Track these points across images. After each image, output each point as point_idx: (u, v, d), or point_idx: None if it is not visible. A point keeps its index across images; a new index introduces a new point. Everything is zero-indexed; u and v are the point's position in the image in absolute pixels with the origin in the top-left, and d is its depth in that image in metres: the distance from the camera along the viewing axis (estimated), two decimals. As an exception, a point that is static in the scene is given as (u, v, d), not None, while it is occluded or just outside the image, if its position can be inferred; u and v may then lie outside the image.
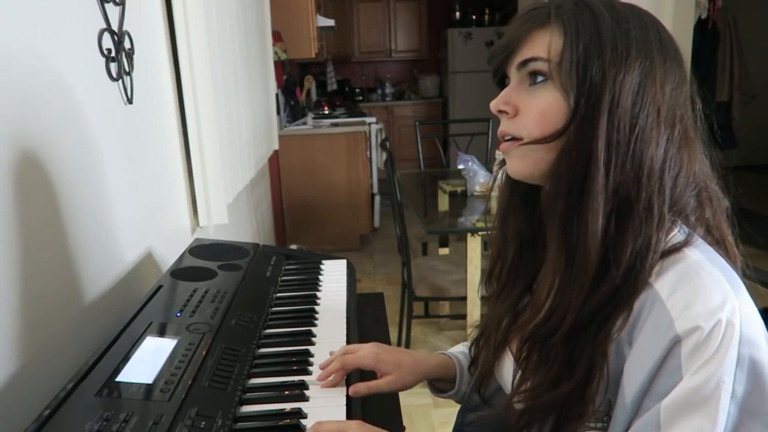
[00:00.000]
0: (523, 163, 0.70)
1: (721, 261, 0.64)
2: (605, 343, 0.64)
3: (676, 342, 0.59)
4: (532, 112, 0.67)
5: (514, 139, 0.70)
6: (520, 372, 0.72)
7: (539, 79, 0.67)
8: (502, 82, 0.73)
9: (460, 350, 0.98)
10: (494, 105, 0.71)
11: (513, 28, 0.70)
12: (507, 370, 0.80)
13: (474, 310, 2.39)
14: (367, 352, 0.87)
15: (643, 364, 0.60)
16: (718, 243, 0.69)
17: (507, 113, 0.70)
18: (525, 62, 0.68)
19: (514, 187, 0.78)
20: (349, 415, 0.79)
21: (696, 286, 0.60)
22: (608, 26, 0.64)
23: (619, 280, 0.63)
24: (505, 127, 0.71)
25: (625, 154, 0.63)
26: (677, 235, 0.66)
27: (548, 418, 0.68)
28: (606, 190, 0.63)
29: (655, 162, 0.63)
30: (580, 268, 0.65)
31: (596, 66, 0.63)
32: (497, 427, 0.83)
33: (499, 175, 0.81)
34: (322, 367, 0.87)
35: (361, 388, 0.83)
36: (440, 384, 0.96)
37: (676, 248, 0.64)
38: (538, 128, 0.67)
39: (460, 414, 0.91)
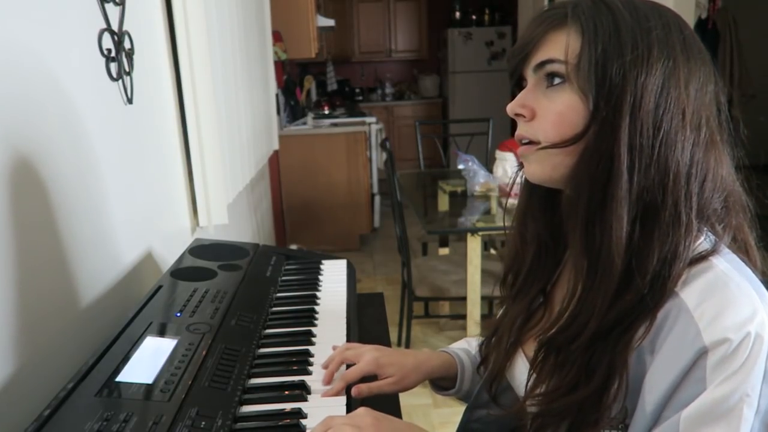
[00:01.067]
0: (541, 168, 0.68)
1: (748, 271, 0.63)
2: (626, 351, 0.62)
3: (703, 353, 0.57)
4: (549, 115, 0.66)
5: (531, 142, 0.68)
6: (534, 375, 0.71)
7: (556, 81, 0.65)
8: (519, 84, 0.71)
9: (462, 347, 0.98)
10: (510, 108, 0.69)
11: (529, 29, 0.68)
12: (519, 371, 0.79)
13: (474, 310, 2.39)
14: (367, 360, 0.85)
15: (666, 374, 0.59)
16: (740, 248, 0.67)
17: (524, 116, 0.68)
18: (542, 64, 0.66)
19: (533, 190, 0.76)
20: (349, 415, 0.79)
21: (724, 297, 0.59)
22: (628, 25, 0.62)
23: (645, 288, 0.61)
24: (522, 130, 0.69)
25: (649, 157, 0.61)
26: (704, 242, 0.64)
27: (562, 423, 0.66)
28: (630, 195, 0.61)
29: (681, 167, 0.61)
30: (604, 274, 0.63)
31: (616, 67, 0.61)
32: (503, 425, 0.82)
33: (518, 178, 0.79)
34: (324, 367, 0.87)
35: (362, 389, 0.83)
36: (441, 381, 0.95)
37: (703, 257, 0.62)
38: (556, 131, 0.65)
39: (467, 411, 0.90)
